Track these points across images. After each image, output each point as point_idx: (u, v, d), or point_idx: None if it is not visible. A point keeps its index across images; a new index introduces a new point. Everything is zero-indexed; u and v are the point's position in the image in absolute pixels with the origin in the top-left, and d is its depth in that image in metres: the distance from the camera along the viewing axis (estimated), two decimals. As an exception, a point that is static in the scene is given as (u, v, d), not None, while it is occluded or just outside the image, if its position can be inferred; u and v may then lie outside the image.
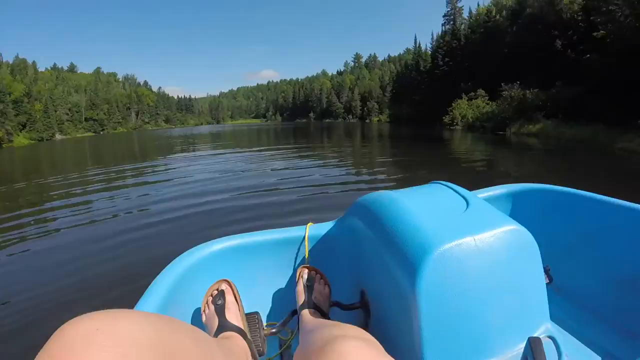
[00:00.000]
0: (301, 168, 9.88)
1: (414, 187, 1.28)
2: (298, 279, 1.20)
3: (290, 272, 1.36)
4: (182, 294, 1.05)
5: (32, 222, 5.86)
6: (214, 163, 11.94)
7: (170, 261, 1.12)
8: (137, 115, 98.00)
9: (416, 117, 44.27)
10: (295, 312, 1.16)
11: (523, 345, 0.86)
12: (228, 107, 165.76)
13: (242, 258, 1.27)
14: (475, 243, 0.86)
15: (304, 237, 1.32)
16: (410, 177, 7.93)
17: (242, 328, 1.01)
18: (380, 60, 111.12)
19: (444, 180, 1.27)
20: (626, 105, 14.98)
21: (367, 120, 74.79)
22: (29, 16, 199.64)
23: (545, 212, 1.55)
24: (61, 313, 2.71)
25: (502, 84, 25.50)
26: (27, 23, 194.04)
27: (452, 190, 1.14)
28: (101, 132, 78.87)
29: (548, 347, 0.84)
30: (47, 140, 57.52)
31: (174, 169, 11.53)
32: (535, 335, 0.89)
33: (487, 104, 29.56)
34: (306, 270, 1.22)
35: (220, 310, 1.02)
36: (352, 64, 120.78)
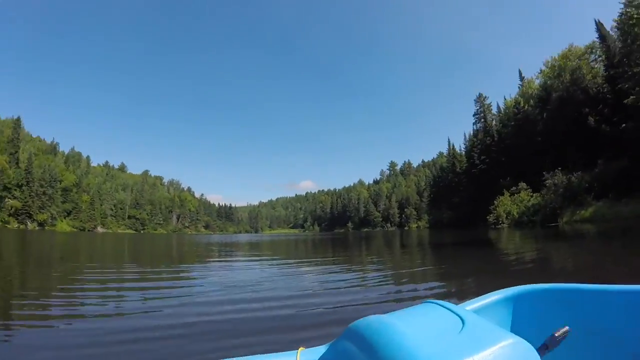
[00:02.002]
0: (337, 282, 9.32)
1: (407, 309, 1.23)
2: None
3: None
4: None
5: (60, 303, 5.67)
6: (246, 273, 11.39)
7: None
8: (178, 218, 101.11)
9: (457, 219, 43.21)
10: None
11: None
12: (267, 217, 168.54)
13: None
14: None
15: None
16: (457, 289, 7.23)
17: None
18: (415, 167, 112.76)
19: (436, 299, 1.24)
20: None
21: (406, 227, 73.70)
22: (89, 113, 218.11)
23: (545, 310, 1.55)
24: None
25: (544, 173, 24.64)
26: (87, 119, 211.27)
27: (445, 310, 1.12)
28: (141, 231, 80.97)
29: None
30: (88, 230, 59.44)
31: (202, 277, 10.81)
32: None
33: (531, 196, 28.29)
34: None
35: None
36: (388, 172, 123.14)
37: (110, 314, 5.31)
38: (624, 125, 18.32)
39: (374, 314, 3.22)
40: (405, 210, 79.60)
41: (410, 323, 1.05)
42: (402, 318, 1.10)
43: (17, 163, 43.13)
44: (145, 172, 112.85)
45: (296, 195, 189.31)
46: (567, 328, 1.26)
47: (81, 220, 59.65)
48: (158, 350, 3.99)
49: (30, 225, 41.90)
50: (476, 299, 1.57)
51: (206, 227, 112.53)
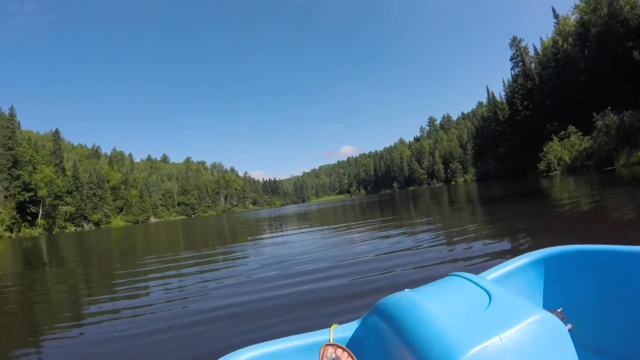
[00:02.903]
0: (387, 246, 9.05)
1: (434, 283, 1.25)
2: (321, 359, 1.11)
3: None
4: None
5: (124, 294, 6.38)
6: (297, 246, 11.63)
7: None
8: (225, 199, 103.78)
9: (504, 170, 41.40)
10: None
11: None
12: (312, 186, 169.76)
13: None
14: (502, 342, 0.85)
15: (329, 341, 1.28)
16: (512, 250, 6.77)
17: None
18: (455, 120, 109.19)
19: (462, 271, 1.24)
20: None
21: (453, 182, 72.18)
22: (125, 113, 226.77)
23: (576, 273, 1.51)
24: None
25: (594, 114, 22.88)
26: (124, 119, 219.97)
27: (472, 283, 1.13)
28: (192, 216, 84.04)
29: None
30: (142, 222, 62.36)
31: (255, 254, 11.34)
32: None
33: (582, 139, 26.24)
34: (330, 349, 1.13)
35: None
36: (428, 128, 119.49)
37: (173, 300, 5.69)
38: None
39: (423, 279, 3.76)
40: (450, 164, 77.44)
41: (436, 300, 1.05)
42: (428, 295, 1.10)
43: (63, 172, 45.12)
44: (188, 160, 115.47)
45: (338, 161, 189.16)
46: (560, 309, 1.24)
47: (133, 214, 62.58)
48: (220, 330, 4.22)
49: (87, 226, 44.15)
50: (503, 263, 1.56)
51: (254, 203, 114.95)
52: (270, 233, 18.50)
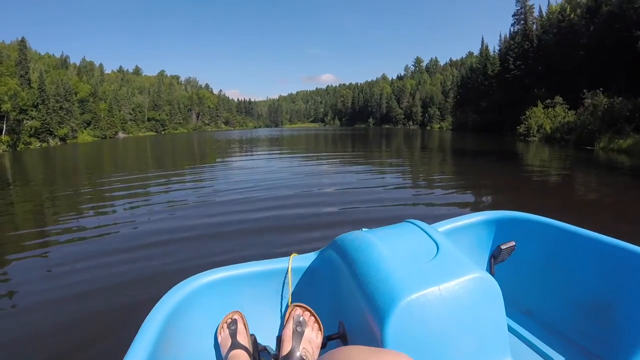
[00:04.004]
0: (354, 180, 9.62)
1: (389, 227, 1.33)
2: (287, 318, 1.20)
3: (277, 302, 1.44)
4: (175, 329, 1.14)
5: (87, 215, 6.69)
6: (266, 171, 12.25)
7: (165, 292, 1.21)
8: (197, 116, 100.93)
9: (483, 124, 41.41)
10: (275, 358, 1.17)
11: None
12: (287, 111, 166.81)
13: (229, 290, 1.35)
14: (440, 292, 0.94)
15: (288, 268, 1.39)
16: (473, 204, 7.05)
17: (248, 347, 1.18)
18: (442, 65, 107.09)
19: (416, 219, 1.33)
20: None
21: (428, 127, 71.87)
22: (97, 21, 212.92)
23: (518, 239, 1.60)
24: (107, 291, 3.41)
25: (585, 90, 22.69)
26: (94, 28, 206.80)
27: (424, 233, 1.20)
28: (162, 132, 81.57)
29: None
30: (110, 138, 60.20)
31: (223, 176, 11.62)
32: None
33: (567, 112, 26.12)
34: (298, 310, 1.21)
35: (233, 334, 1.19)
36: (413, 68, 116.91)
37: (140, 222, 5.92)
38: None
39: (384, 217, 5.83)
40: (429, 109, 76.94)
41: (389, 243, 1.14)
42: (382, 237, 1.19)
43: (29, 84, 42.11)
44: (161, 73, 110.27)
45: (317, 88, 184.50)
46: (513, 243, 1.47)
47: (101, 129, 59.99)
48: (183, 250, 4.48)
49: (52, 142, 42.27)
50: (456, 218, 1.68)
51: (226, 123, 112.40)
52: (240, 156, 18.71)
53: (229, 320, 1.25)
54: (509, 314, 1.17)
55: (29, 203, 8.13)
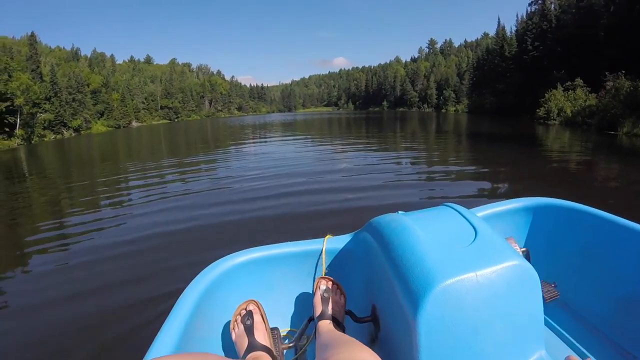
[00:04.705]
0: (369, 165, 9.59)
1: (426, 210, 1.30)
2: (315, 289, 1.28)
3: (310, 283, 1.46)
4: (209, 307, 1.15)
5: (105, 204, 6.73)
6: (280, 157, 12.18)
7: (198, 272, 1.22)
8: (210, 103, 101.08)
9: (500, 107, 40.39)
10: (311, 319, 1.26)
11: None
12: (300, 95, 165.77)
13: (263, 270, 1.36)
14: (477, 278, 0.91)
15: (322, 250, 1.40)
16: (489, 192, 6.78)
17: (269, 346, 1.11)
18: (457, 47, 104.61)
19: (455, 203, 1.29)
20: None
21: (443, 110, 70.57)
22: (106, 12, 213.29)
23: (557, 227, 1.58)
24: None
25: (607, 73, 21.85)
26: (104, 19, 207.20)
27: (462, 217, 1.17)
28: (176, 120, 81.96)
29: None
30: (123, 127, 60.68)
31: (238, 162, 11.69)
32: None
33: (588, 95, 25.02)
34: (323, 282, 1.30)
35: (249, 330, 1.11)
36: (427, 50, 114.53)
37: (154, 211, 5.93)
38: None
39: (400, 204, 5.36)
40: (444, 92, 75.60)
41: (426, 226, 1.11)
42: (419, 220, 1.16)
43: (41, 77, 42.20)
44: (173, 61, 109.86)
45: (329, 72, 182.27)
46: (557, 293, 1.34)
47: (115, 119, 60.36)
48: (203, 239, 4.47)
49: (67, 133, 42.60)
50: (494, 204, 1.63)
51: (239, 109, 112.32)
52: (255, 142, 18.83)
53: (243, 312, 1.17)
54: (544, 304, 1.10)
55: (45, 195, 8.22)
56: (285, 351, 1.21)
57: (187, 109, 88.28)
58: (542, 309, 1.00)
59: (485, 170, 8.75)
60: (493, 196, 6.22)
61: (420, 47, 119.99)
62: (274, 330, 1.22)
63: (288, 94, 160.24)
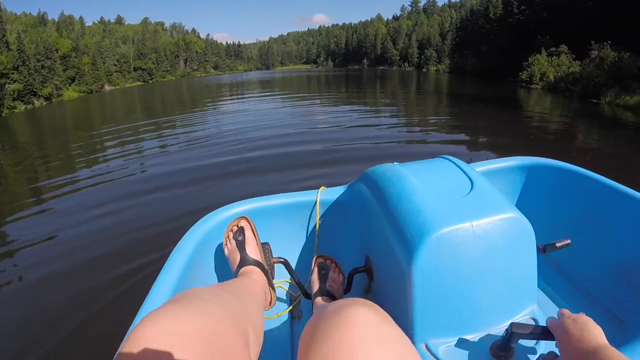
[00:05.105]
0: (346, 123, 9.58)
1: (422, 162, 1.30)
2: (313, 267, 1.28)
3: (303, 235, 1.45)
4: (202, 259, 1.17)
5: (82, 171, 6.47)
6: (259, 113, 12.16)
7: (193, 224, 1.23)
8: (185, 63, 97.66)
9: (482, 69, 40.11)
10: (307, 296, 1.25)
11: (507, 324, 0.87)
12: (278, 53, 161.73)
13: (256, 221, 1.29)
14: (472, 229, 0.91)
15: (316, 201, 1.37)
16: (468, 144, 7.19)
17: (260, 260, 1.15)
18: (440, 6, 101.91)
19: (451, 156, 1.28)
20: None
21: (424, 69, 69.70)
22: None
23: (555, 188, 1.56)
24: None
25: (592, 41, 22.12)
26: None
27: (458, 169, 1.16)
28: (150, 81, 78.81)
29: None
30: (96, 92, 58.05)
31: (216, 119, 11.79)
32: (520, 315, 0.97)
33: (572, 62, 25.28)
34: (321, 260, 1.30)
35: (241, 246, 1.15)
36: (410, 8, 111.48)
37: (133, 173, 5.90)
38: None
39: (388, 156, 5.32)
40: (426, 51, 74.62)
41: (422, 177, 1.11)
42: (415, 171, 1.15)
43: (7, 47, 40.04)
44: (145, 20, 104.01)
45: (309, 29, 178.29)
46: (569, 241, 1.30)
47: (86, 83, 57.25)
48: (185, 197, 4.53)
49: (37, 103, 40.50)
50: (490, 160, 1.64)
51: (215, 67, 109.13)
52: (232, 100, 18.68)
53: (235, 229, 1.21)
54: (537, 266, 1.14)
55: (20, 165, 8.04)
56: (275, 265, 1.26)
57: (161, 70, 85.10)
58: (536, 263, 1.00)
59: (464, 129, 9.11)
60: (477, 157, 6.36)
61: (403, 6, 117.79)
62: (264, 245, 1.24)
63: (266, 52, 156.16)
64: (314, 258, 1.30)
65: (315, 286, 1.22)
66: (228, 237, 1.20)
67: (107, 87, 63.85)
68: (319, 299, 1.15)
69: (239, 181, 4.97)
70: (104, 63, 67.88)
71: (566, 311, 0.82)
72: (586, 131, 9.93)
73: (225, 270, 1.27)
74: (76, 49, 59.30)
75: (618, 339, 0.93)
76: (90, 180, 5.71)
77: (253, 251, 1.15)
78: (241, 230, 1.18)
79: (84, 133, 12.24)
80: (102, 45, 72.46)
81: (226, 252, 1.18)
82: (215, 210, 1.31)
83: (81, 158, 7.72)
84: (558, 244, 1.29)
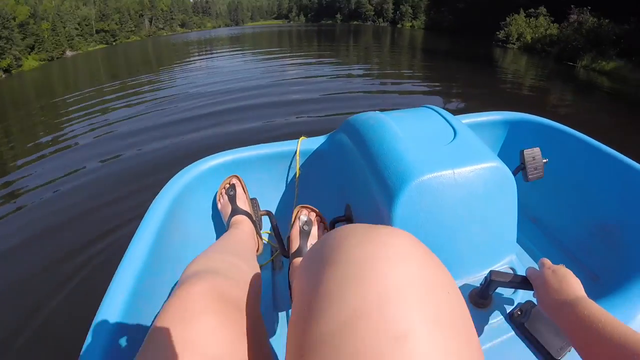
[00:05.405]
0: (319, 77, 9.60)
1: (406, 110, 1.28)
2: (294, 220, 1.19)
3: (283, 185, 1.45)
4: (182, 211, 1.16)
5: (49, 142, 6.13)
6: (229, 70, 12.03)
7: (171, 177, 1.22)
8: (150, 22, 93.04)
9: (459, 27, 39.84)
10: (286, 255, 1.19)
11: (486, 272, 0.87)
12: (248, 8, 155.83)
13: (236, 172, 1.33)
14: (454, 176, 0.90)
15: (296, 151, 1.36)
16: (446, 96, 7.33)
17: (249, 212, 1.21)
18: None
19: (435, 105, 1.26)
20: None
21: (399, 25, 68.43)
22: None
23: (537, 144, 1.48)
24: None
25: (572, 6, 22.16)
26: None
27: (442, 118, 1.15)
28: (113, 43, 75.03)
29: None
30: (57, 58, 54.87)
31: (186, 78, 11.36)
32: (499, 264, 0.97)
33: (550, 25, 25.25)
34: (304, 211, 1.21)
35: (232, 199, 1.22)
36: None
37: (99, 135, 5.82)
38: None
39: (368, 106, 5.55)
40: (401, 7, 73.30)
41: (404, 125, 1.11)
42: (398, 119, 1.15)
43: None
44: None
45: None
46: (538, 149, 1.33)
47: (47, 50, 53.81)
48: (157, 152, 4.49)
49: None
50: (475, 114, 1.66)
51: (182, 25, 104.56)
52: (201, 58, 18.22)
53: (227, 186, 1.28)
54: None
55: None
56: (262, 217, 1.30)
57: (125, 30, 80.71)
58: (516, 213, 1.01)
59: (442, 82, 9.36)
60: (458, 110, 6.50)
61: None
62: (253, 200, 1.29)
63: (235, 7, 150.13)
64: (295, 209, 1.22)
65: (295, 244, 1.13)
66: (221, 192, 1.28)
67: (68, 53, 60.40)
68: (297, 260, 1.07)
69: (214, 133, 4.93)
70: (65, 27, 63.81)
71: (547, 261, 0.82)
72: (560, 91, 10.18)
73: (206, 220, 1.31)
74: (34, 15, 55.52)
75: (593, 294, 0.98)
76: (53, 147, 5.58)
77: (243, 203, 1.22)
78: (233, 186, 1.26)
79: (48, 100, 11.87)
80: (62, 9, 67.80)
81: (219, 205, 1.26)
82: (193, 164, 1.31)
83: (44, 127, 7.45)
84: (527, 152, 1.32)
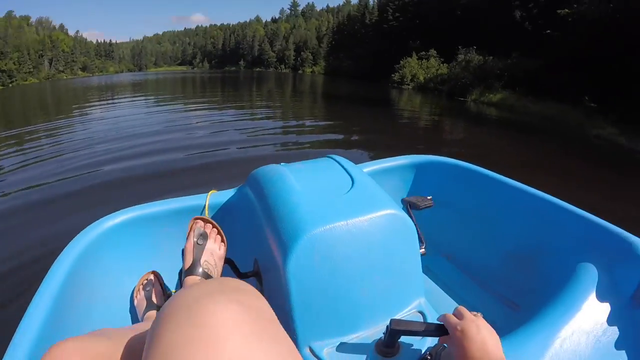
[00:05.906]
0: (223, 130, 9.31)
1: (308, 161, 1.29)
2: (189, 232, 1.11)
3: None
4: (88, 272, 1.10)
5: None
6: (130, 120, 11.30)
7: (74, 236, 1.14)
8: (50, 63, 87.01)
9: (357, 71, 42.40)
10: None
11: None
12: (152, 53, 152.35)
13: (144, 229, 1.28)
14: (347, 227, 0.89)
15: (205, 206, 1.34)
16: (343, 141, 7.45)
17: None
18: (318, 10, 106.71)
19: (337, 154, 1.28)
20: (598, 85, 13.36)
21: (300, 71, 71.90)
22: None
23: (445, 185, 1.59)
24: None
25: (460, 47, 24.60)
26: None
27: (342, 168, 1.16)
28: (10, 85, 68.64)
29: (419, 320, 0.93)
30: None
31: (86, 129, 10.58)
32: (406, 309, 0.96)
33: (440, 65, 27.87)
34: (200, 223, 1.13)
35: (148, 295, 1.19)
36: (289, 11, 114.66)
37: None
38: (548, 31, 18.01)
39: (274, 159, 4.53)
40: (302, 53, 76.70)
41: (302, 177, 1.09)
42: (297, 170, 1.14)
43: None
44: (9, 14, 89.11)
45: (185, 29, 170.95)
46: (431, 202, 1.37)
47: None
48: (49, 217, 4.00)
49: None
50: (380, 160, 1.66)
51: (83, 69, 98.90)
52: (102, 104, 17.23)
53: (145, 282, 1.24)
54: (429, 257, 1.12)
55: None
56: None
57: (23, 71, 73.90)
58: (419, 257, 1.01)
59: (340, 129, 9.54)
60: (363, 157, 6.54)
61: (282, 8, 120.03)
62: (169, 292, 1.27)
63: (139, 52, 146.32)
64: (191, 221, 1.15)
65: (189, 260, 1.04)
66: (138, 289, 1.23)
67: (-42, 94, 54.01)
68: (189, 279, 1.00)
69: (116, 192, 4.55)
70: (-44, 65, 57.14)
71: (465, 312, 0.78)
72: (453, 124, 11.09)
73: (113, 285, 1.23)
74: None
75: (513, 322, 0.99)
76: None
77: (159, 299, 1.20)
78: (150, 282, 1.23)
79: None
80: (-45, 45, 61.07)
81: (135, 301, 1.22)
82: (97, 221, 1.22)
83: None
84: (421, 204, 1.34)
